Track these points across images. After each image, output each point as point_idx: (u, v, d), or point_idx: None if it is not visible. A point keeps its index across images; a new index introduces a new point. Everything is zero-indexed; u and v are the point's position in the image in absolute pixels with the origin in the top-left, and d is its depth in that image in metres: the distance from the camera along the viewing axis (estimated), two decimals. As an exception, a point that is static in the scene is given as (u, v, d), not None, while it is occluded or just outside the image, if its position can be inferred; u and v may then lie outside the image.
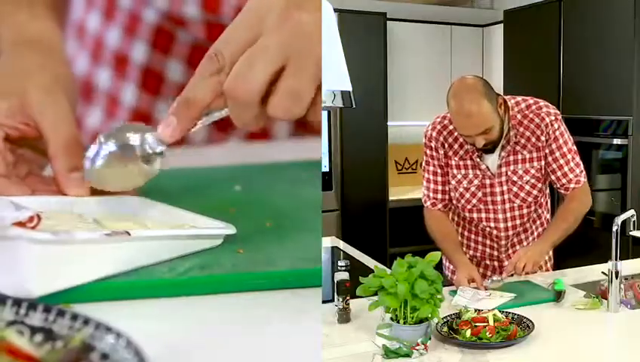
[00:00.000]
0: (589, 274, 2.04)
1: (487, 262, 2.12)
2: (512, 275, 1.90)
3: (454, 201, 2.07)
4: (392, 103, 4.35)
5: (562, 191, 2.01)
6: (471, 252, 2.13)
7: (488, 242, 2.09)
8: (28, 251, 0.97)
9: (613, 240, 1.69)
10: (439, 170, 2.04)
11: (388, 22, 4.28)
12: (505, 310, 1.60)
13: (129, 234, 1.07)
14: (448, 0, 4.82)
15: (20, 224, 1.02)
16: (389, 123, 4.31)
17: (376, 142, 4.28)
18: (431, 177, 2.06)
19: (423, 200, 2.11)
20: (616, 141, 3.43)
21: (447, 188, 2.05)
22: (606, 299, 1.70)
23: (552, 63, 3.81)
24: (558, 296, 1.74)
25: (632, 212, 1.82)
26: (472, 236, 2.12)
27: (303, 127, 1.78)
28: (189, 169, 1.48)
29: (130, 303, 1.04)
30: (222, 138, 1.76)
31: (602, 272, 1.84)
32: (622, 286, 1.72)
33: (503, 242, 2.07)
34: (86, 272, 1.03)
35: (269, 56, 1.03)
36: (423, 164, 2.09)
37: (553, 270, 2.16)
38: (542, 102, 1.98)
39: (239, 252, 1.16)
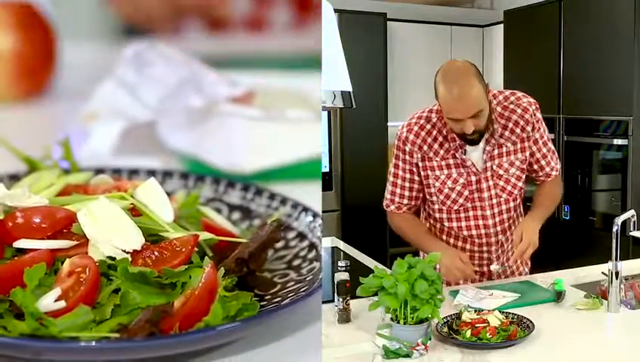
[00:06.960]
0: (589, 274, 2.04)
1: (477, 268, 2.00)
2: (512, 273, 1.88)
3: (439, 205, 1.97)
4: (392, 103, 4.35)
5: (543, 179, 2.04)
6: None
7: (477, 247, 2.00)
8: (240, 127, 0.96)
9: (614, 241, 1.69)
10: (408, 175, 1.95)
11: (388, 22, 4.28)
12: (505, 310, 1.60)
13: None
14: (448, 0, 4.82)
15: (234, 100, 1.00)
16: (389, 123, 4.32)
17: (376, 142, 4.29)
18: (399, 181, 1.97)
19: (385, 205, 2.02)
20: (616, 141, 3.43)
21: (414, 195, 1.98)
22: (606, 299, 1.70)
23: (552, 63, 3.81)
24: (558, 296, 1.74)
25: (632, 212, 1.82)
26: (459, 243, 2.01)
27: None
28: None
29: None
30: None
31: (602, 272, 1.83)
32: (622, 286, 1.72)
33: (493, 239, 1.99)
34: (295, 151, 1.00)
35: None
36: (391, 167, 2.00)
37: (554, 270, 2.16)
38: (519, 93, 1.96)
39: None
